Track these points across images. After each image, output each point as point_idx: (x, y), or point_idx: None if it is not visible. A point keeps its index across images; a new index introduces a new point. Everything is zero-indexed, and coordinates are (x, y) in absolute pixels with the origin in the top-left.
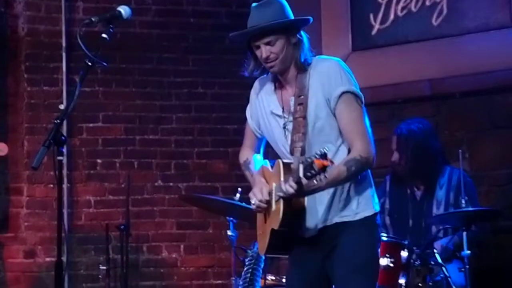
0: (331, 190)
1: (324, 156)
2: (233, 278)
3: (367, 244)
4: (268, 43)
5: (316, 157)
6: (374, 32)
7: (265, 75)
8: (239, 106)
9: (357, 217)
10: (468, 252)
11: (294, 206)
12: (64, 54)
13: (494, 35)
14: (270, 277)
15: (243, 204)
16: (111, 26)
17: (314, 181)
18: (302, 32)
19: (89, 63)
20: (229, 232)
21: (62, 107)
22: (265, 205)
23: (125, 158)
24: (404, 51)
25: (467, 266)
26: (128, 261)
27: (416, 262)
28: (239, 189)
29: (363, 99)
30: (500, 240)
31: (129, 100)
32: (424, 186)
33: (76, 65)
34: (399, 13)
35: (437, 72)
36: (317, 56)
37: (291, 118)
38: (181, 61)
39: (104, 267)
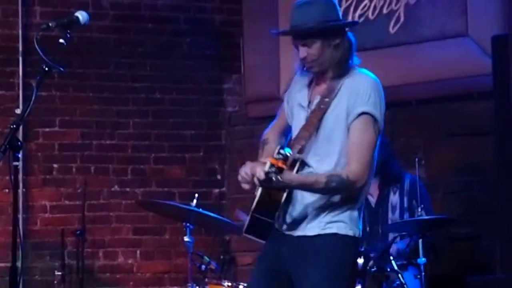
0: (316, 198)
1: (284, 158)
2: (189, 284)
3: (322, 263)
4: (304, 45)
5: (276, 157)
6: None
7: None
8: (196, 111)
9: (331, 231)
10: (424, 259)
11: (271, 198)
12: (20, 59)
13: (451, 43)
14: (226, 284)
15: (200, 210)
16: (68, 31)
17: (273, 177)
18: (347, 34)
19: (46, 68)
20: (185, 238)
21: (18, 111)
22: (246, 180)
23: (82, 163)
24: (361, 58)
25: (423, 273)
26: (83, 266)
27: (372, 269)
28: (196, 195)
29: (381, 127)
30: (455, 247)
31: (86, 105)
32: (379, 191)
33: (33, 70)
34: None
35: (393, 80)
36: (359, 68)
37: (309, 115)
38: (138, 66)
39: (60, 273)
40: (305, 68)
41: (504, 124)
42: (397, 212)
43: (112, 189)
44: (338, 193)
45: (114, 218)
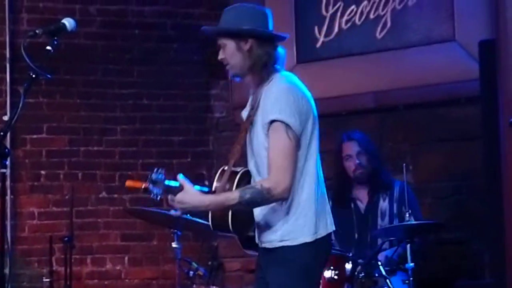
0: (264, 211)
1: (150, 180)
2: None
3: (278, 277)
4: (221, 47)
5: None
6: (318, 44)
7: None
8: (184, 117)
9: (278, 245)
10: (412, 264)
11: (221, 216)
12: (8, 65)
13: (437, 48)
14: None
15: (188, 216)
16: (55, 38)
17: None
18: (264, 43)
19: (33, 75)
20: (173, 244)
21: (6, 118)
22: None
23: (69, 169)
24: (348, 64)
25: (411, 278)
26: (72, 273)
27: (360, 274)
28: None
29: (298, 131)
30: (443, 251)
31: (73, 111)
32: (368, 198)
33: (20, 76)
34: (343, 26)
35: (381, 85)
36: (281, 74)
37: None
38: (126, 72)
39: (48, 280)
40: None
41: (492, 129)
42: (387, 218)
43: (100, 195)
44: (260, 204)
45: (102, 225)
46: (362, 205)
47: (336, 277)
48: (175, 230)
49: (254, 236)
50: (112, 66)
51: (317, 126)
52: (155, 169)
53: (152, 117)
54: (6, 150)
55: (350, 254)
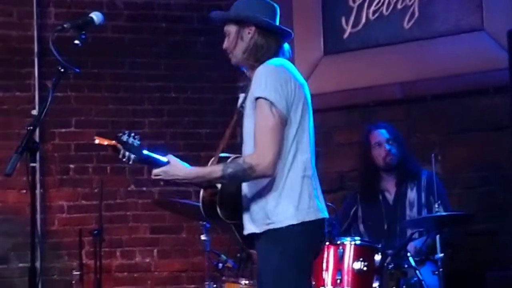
0: (247, 193)
1: (118, 138)
2: (207, 282)
3: (268, 262)
4: (225, 34)
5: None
6: (346, 35)
7: None
8: (211, 110)
9: (264, 228)
10: (441, 255)
11: (209, 194)
12: (36, 60)
13: (465, 38)
14: (243, 281)
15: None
16: (83, 31)
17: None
18: (265, 35)
19: (61, 69)
20: (202, 237)
21: (34, 112)
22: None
23: (98, 163)
24: (375, 55)
25: (441, 269)
26: (101, 266)
27: (389, 266)
28: None
29: (282, 108)
30: (472, 242)
31: (101, 105)
32: (396, 188)
33: (48, 71)
34: (370, 17)
35: (408, 75)
36: (270, 60)
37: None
38: (153, 65)
39: (78, 273)
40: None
41: None
42: (415, 208)
43: (129, 188)
44: (242, 179)
45: (131, 218)
46: (390, 196)
47: (365, 268)
48: (204, 223)
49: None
50: (139, 60)
51: (308, 109)
52: (126, 132)
53: (179, 109)
54: (36, 144)
55: (379, 245)
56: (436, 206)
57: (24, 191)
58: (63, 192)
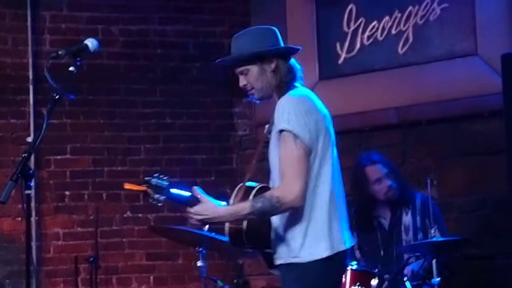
0: (277, 225)
1: (147, 182)
2: None
3: None
4: (241, 73)
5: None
6: (340, 61)
7: None
8: (207, 136)
9: (291, 261)
10: (438, 279)
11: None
12: (31, 87)
13: (460, 63)
14: None
15: (213, 234)
16: (78, 58)
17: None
18: (288, 60)
19: (56, 96)
20: (198, 263)
21: (29, 139)
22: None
23: (94, 189)
24: (370, 80)
25: None
26: None
27: None
28: None
29: (307, 141)
30: (469, 266)
31: (97, 131)
32: (391, 214)
33: (44, 98)
34: (365, 42)
35: (403, 100)
36: (293, 90)
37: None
38: (148, 92)
39: None
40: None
41: None
42: (411, 232)
43: (125, 215)
44: (271, 213)
45: (127, 244)
46: (385, 222)
47: None
48: (200, 249)
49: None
50: (135, 86)
51: (331, 141)
52: (156, 174)
53: (175, 136)
54: (31, 171)
55: (376, 270)
56: (432, 231)
57: (19, 218)
58: (59, 219)
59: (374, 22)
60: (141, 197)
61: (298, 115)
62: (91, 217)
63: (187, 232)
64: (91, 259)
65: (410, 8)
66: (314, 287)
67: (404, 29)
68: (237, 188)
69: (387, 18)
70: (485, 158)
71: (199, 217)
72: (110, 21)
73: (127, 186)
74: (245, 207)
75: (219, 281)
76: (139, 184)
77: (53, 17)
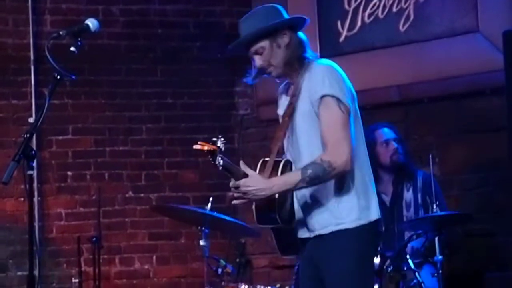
0: (299, 196)
1: (213, 142)
2: None
3: (337, 264)
4: (256, 53)
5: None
6: (341, 39)
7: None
8: (209, 115)
9: (335, 229)
10: (440, 257)
11: (265, 200)
12: (32, 67)
13: (461, 40)
14: (243, 286)
15: (215, 213)
16: (79, 39)
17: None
18: (296, 33)
19: (58, 77)
20: (201, 242)
21: (31, 120)
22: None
23: (96, 170)
24: (372, 58)
25: (440, 271)
26: (100, 273)
27: (389, 268)
28: (210, 198)
29: (349, 105)
30: (471, 243)
31: (98, 112)
32: (392, 190)
33: (45, 78)
34: (366, 20)
35: (405, 78)
36: (317, 60)
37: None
38: (149, 72)
39: (77, 280)
40: (258, 79)
41: None
42: (412, 209)
43: (127, 195)
44: (323, 179)
45: (129, 224)
46: (387, 198)
47: None
48: (203, 228)
49: (293, 238)
50: (135, 66)
51: (358, 110)
52: (220, 137)
53: (176, 115)
54: (33, 152)
55: (378, 248)
56: (435, 206)
57: (22, 199)
58: (61, 199)
59: (375, 0)
60: (142, 177)
61: (337, 80)
62: (93, 197)
63: (189, 211)
64: (94, 239)
65: None
66: (361, 253)
67: (405, 6)
68: (260, 163)
69: None
70: (486, 135)
71: (247, 189)
72: (111, 1)
73: (199, 145)
74: (296, 174)
75: (221, 260)
76: (210, 144)
77: None
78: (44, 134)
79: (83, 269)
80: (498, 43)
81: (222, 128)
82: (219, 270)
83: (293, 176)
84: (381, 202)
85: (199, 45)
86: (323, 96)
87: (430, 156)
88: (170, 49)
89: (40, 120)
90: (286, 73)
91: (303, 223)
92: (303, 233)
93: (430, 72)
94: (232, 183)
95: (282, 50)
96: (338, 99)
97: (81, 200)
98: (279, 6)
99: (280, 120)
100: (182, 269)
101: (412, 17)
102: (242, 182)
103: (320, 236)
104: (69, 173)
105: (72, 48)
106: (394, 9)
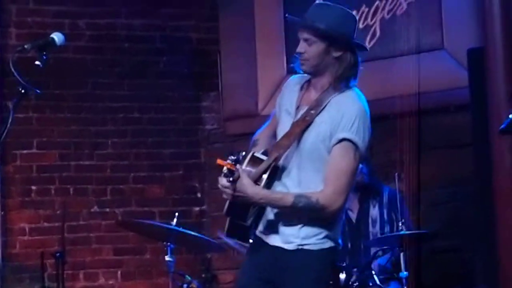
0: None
1: (234, 160)
2: None
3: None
4: (306, 40)
5: (226, 160)
6: None
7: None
8: (175, 130)
9: (299, 247)
10: (406, 273)
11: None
12: None
13: (427, 57)
14: None
15: (181, 228)
16: (44, 52)
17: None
18: (356, 54)
19: (22, 90)
20: (167, 258)
21: None
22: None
23: (60, 184)
24: None
25: (405, 287)
26: None
27: (354, 284)
28: (176, 213)
29: (363, 153)
30: (437, 259)
31: (63, 126)
32: (359, 206)
33: (10, 92)
34: None
35: (370, 94)
36: (355, 89)
37: (293, 123)
38: (116, 86)
39: None
40: (298, 64)
41: (482, 136)
42: (378, 225)
43: (92, 209)
44: (306, 214)
45: (94, 239)
46: (353, 215)
47: None
48: (168, 243)
49: (247, 226)
50: (102, 80)
51: None
52: (239, 153)
53: (143, 130)
54: None
55: (344, 264)
56: (400, 224)
57: None
58: (25, 214)
59: None
60: (108, 192)
61: (365, 127)
62: (58, 212)
63: (155, 226)
64: (58, 254)
65: (377, 2)
66: (322, 277)
67: (371, 23)
68: (249, 156)
69: (354, 12)
70: (452, 152)
71: (237, 194)
72: (77, 15)
73: (220, 162)
74: (286, 199)
75: (187, 276)
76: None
77: (19, 11)
78: (8, 148)
79: (46, 285)
80: (463, 60)
81: (188, 143)
82: (185, 286)
83: (284, 199)
84: (348, 219)
85: (166, 59)
86: (344, 139)
87: (396, 174)
88: (137, 64)
89: (4, 134)
90: (317, 76)
91: (265, 224)
92: (262, 234)
93: (396, 89)
94: (222, 182)
95: (329, 59)
96: (356, 147)
97: (45, 215)
98: (356, 18)
99: (283, 118)
100: (147, 285)
101: (378, 34)
102: (237, 185)
103: (280, 248)
104: (34, 187)
105: (37, 62)
106: (361, 26)
